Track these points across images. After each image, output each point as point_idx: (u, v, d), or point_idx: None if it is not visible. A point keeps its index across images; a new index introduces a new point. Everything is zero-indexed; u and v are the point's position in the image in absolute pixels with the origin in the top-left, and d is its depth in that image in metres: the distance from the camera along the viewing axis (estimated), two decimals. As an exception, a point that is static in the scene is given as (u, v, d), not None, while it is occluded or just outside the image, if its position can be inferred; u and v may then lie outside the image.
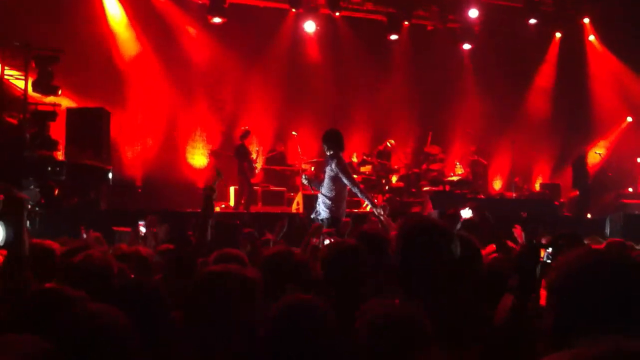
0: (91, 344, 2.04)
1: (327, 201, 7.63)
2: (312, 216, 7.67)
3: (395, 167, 14.70)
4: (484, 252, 3.96)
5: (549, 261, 2.84)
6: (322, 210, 7.65)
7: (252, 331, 2.43)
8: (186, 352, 2.59)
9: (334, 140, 7.69)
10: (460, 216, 5.18)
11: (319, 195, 7.75)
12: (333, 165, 7.59)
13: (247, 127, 13.11)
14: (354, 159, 14.03)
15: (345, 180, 7.62)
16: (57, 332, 2.07)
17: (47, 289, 2.71)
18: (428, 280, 2.66)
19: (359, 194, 7.98)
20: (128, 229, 8.11)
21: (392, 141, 14.70)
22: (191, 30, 14.28)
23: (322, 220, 7.48)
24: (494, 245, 4.28)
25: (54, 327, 2.12)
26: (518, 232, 5.15)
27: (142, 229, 6.06)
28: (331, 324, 2.31)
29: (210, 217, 4.77)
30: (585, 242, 4.60)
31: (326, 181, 7.68)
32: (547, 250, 2.83)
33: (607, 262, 1.70)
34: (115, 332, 2.09)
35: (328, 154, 7.68)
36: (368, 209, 12.53)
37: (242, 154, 12.65)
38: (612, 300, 1.62)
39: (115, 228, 8.22)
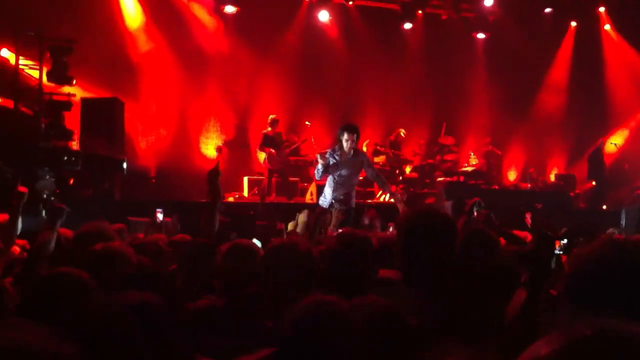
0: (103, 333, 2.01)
1: (350, 192, 7.82)
2: (339, 208, 7.61)
3: (412, 155, 14.65)
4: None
5: (561, 253, 2.83)
6: (345, 201, 7.75)
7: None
8: (206, 340, 2.61)
9: (359, 135, 7.85)
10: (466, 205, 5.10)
11: (340, 185, 7.74)
12: (361, 158, 7.84)
13: (275, 116, 12.96)
14: (364, 149, 13.96)
15: (372, 172, 8.05)
16: (70, 319, 2.07)
17: (55, 274, 2.70)
18: (428, 271, 2.63)
19: (381, 184, 8.44)
20: (144, 219, 8.18)
21: (404, 131, 14.64)
22: (209, 20, 14.28)
23: (346, 210, 7.66)
24: (502, 239, 4.26)
25: (66, 313, 2.12)
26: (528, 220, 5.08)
27: (160, 216, 6.12)
28: (354, 325, 2.19)
29: (218, 202, 4.58)
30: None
31: (350, 173, 7.77)
32: (562, 242, 2.82)
33: (629, 255, 1.61)
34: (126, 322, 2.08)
35: (353, 146, 7.69)
36: (382, 199, 12.58)
37: (268, 141, 12.60)
38: (631, 295, 1.54)
39: (130, 218, 8.29)
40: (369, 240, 3.31)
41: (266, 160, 12.66)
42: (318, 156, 7.84)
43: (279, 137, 12.82)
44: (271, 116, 12.86)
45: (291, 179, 13.23)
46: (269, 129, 12.66)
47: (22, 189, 3.61)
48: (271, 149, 12.55)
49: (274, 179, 12.85)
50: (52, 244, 3.64)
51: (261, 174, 13.73)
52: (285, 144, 13.18)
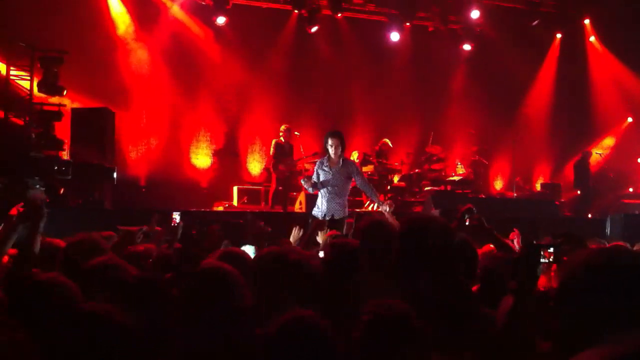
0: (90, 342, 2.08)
1: (343, 202, 7.90)
2: (325, 217, 7.63)
3: (396, 163, 14.72)
4: (481, 251, 4.02)
5: (549, 261, 2.90)
6: (339, 210, 7.82)
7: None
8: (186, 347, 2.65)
9: (344, 142, 7.92)
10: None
11: (334, 195, 7.83)
12: (351, 167, 7.94)
13: (287, 125, 12.89)
14: (354, 159, 14.02)
15: (361, 181, 8.10)
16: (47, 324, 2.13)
17: (24, 278, 2.73)
18: (426, 275, 2.66)
19: (370, 194, 8.34)
20: (133, 228, 8.19)
21: (388, 140, 14.67)
22: (199, 31, 14.33)
23: (339, 219, 7.67)
24: (492, 245, 4.33)
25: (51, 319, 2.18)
26: (515, 235, 5.06)
27: (177, 218, 6.15)
28: (331, 342, 2.22)
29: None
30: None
31: (342, 182, 7.86)
32: (549, 251, 2.89)
33: (622, 262, 1.64)
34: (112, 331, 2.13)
35: (341, 155, 7.78)
36: (370, 208, 12.65)
37: (278, 150, 12.59)
38: (627, 301, 1.56)
39: (120, 227, 8.30)
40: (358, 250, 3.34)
41: (272, 169, 12.75)
42: (302, 182, 7.93)
43: (289, 146, 12.81)
44: (283, 126, 12.87)
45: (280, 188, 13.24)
46: (281, 138, 12.70)
47: (13, 211, 3.59)
48: (276, 158, 12.58)
49: (280, 188, 12.85)
50: (38, 246, 3.64)
51: (252, 184, 13.86)
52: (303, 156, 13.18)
